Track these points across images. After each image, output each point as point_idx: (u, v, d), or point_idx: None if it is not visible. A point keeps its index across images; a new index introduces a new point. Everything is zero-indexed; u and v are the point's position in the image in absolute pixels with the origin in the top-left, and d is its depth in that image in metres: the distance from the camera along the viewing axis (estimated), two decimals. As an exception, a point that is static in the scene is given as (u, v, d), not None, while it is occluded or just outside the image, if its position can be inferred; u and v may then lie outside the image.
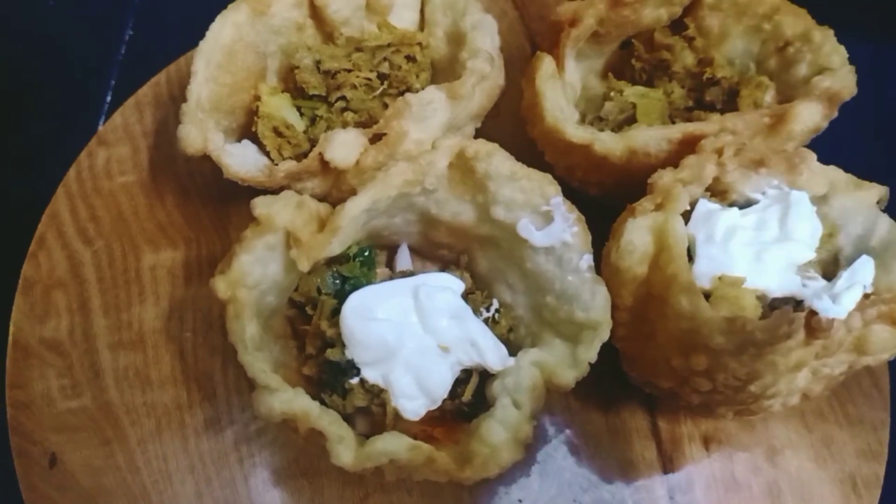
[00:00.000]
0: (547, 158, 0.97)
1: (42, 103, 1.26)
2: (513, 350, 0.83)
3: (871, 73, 1.02)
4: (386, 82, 0.96)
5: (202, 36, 1.15)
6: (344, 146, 0.83)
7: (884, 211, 0.86)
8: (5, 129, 1.24)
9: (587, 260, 0.81)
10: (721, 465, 0.93)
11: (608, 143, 0.87)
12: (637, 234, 0.79)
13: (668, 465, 0.93)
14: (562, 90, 0.93)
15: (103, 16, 1.34)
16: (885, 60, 1.25)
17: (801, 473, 0.93)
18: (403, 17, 1.02)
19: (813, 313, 0.73)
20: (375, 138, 0.86)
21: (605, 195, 0.93)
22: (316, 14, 1.01)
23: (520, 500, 0.91)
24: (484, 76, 0.91)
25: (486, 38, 0.94)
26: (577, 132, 0.89)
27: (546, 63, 0.94)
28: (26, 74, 1.28)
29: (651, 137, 0.87)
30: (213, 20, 0.98)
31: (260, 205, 0.76)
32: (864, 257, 0.82)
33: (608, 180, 0.93)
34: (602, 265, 0.83)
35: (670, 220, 0.79)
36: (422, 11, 1.03)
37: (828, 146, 0.89)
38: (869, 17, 1.19)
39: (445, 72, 0.99)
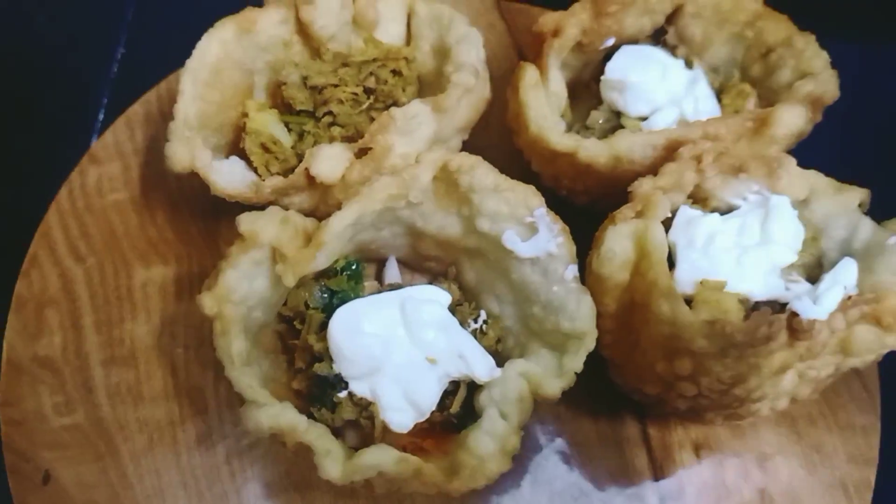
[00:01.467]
0: (534, 168, 0.98)
1: (34, 121, 1.27)
2: (501, 361, 0.83)
3: (855, 75, 1.03)
4: (372, 97, 0.97)
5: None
6: (329, 161, 0.84)
7: (866, 214, 0.86)
8: (-2, 143, 1.25)
9: (572, 270, 0.82)
10: (712, 471, 0.94)
11: (592, 150, 0.88)
12: (617, 242, 0.80)
13: (658, 472, 0.94)
14: (546, 99, 0.94)
15: (96, 34, 1.34)
16: (868, 63, 1.26)
17: (792, 479, 0.93)
18: (390, 31, 1.03)
19: (795, 315, 0.74)
20: (361, 153, 0.86)
21: (592, 204, 0.94)
22: (302, 30, 1.02)
23: (511, 510, 0.91)
24: (469, 89, 0.92)
25: (471, 51, 0.95)
26: (561, 139, 0.90)
27: (529, 72, 0.95)
28: (18, 92, 1.29)
29: (635, 143, 0.87)
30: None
31: (244, 221, 0.77)
32: (847, 259, 0.83)
33: (595, 188, 0.94)
34: (585, 273, 0.83)
35: (650, 226, 0.79)
36: (408, 25, 1.03)
37: (810, 150, 0.90)
38: (853, 19, 1.20)
39: (432, 86, 1.00)
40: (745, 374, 0.77)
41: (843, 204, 0.87)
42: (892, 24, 1.29)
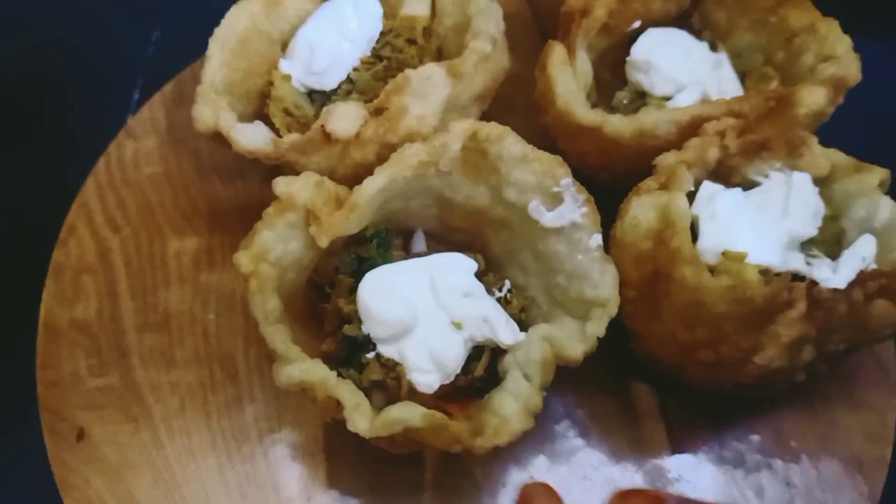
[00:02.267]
0: (559, 146, 1.00)
1: (73, 100, 1.31)
2: (525, 330, 0.85)
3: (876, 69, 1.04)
4: (386, 61, 1.00)
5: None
6: (344, 118, 0.87)
7: (886, 194, 0.88)
8: (38, 125, 1.29)
9: (596, 239, 0.84)
10: (729, 445, 0.95)
11: (618, 126, 0.90)
12: (641, 211, 0.82)
13: (676, 445, 0.95)
14: (573, 76, 0.96)
15: (132, 18, 1.39)
16: (889, 58, 1.27)
17: (809, 455, 0.94)
18: (415, 8, 1.06)
19: (814, 283, 0.76)
20: (377, 112, 0.89)
21: (616, 181, 0.96)
22: None
23: (531, 477, 0.93)
24: (485, 56, 0.94)
25: (489, 21, 0.98)
26: (587, 114, 0.92)
27: (557, 50, 0.97)
28: (59, 73, 1.33)
29: (660, 119, 0.89)
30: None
31: (281, 184, 0.79)
32: (866, 236, 0.85)
33: (619, 165, 0.96)
34: (609, 244, 0.85)
35: (674, 197, 0.81)
36: (433, 3, 1.06)
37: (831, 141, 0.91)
38: (872, 14, 1.21)
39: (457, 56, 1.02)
40: (764, 343, 0.78)
41: (863, 183, 0.88)
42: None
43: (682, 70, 1.00)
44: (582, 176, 0.85)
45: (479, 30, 0.96)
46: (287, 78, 1.01)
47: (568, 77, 0.95)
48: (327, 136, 0.85)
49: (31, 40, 1.37)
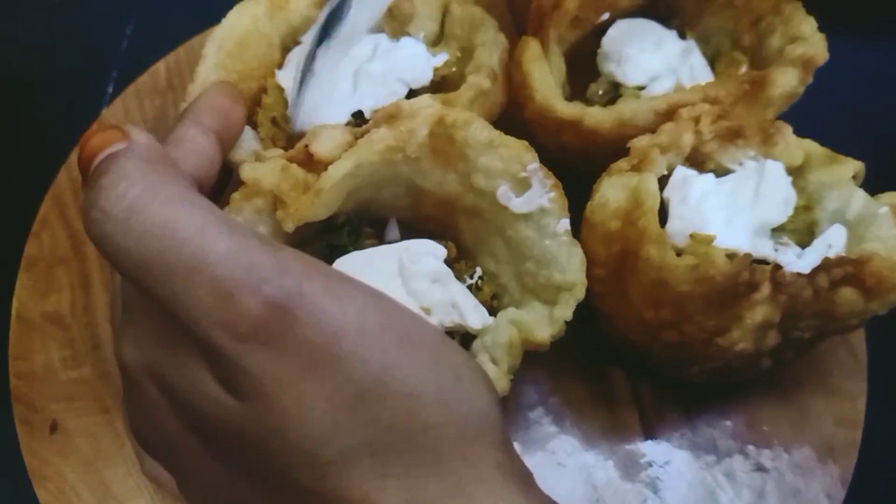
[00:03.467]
0: (538, 140, 1.00)
1: (46, 93, 1.30)
2: (494, 316, 0.86)
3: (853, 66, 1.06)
4: None
5: (203, 31, 1.20)
6: (329, 140, 0.86)
7: (860, 187, 0.88)
8: (10, 118, 1.28)
9: (564, 224, 0.84)
10: (702, 431, 0.96)
11: (598, 117, 0.91)
12: (611, 191, 0.83)
13: (649, 430, 0.96)
14: (549, 71, 0.96)
15: (105, 11, 1.38)
16: (865, 53, 1.29)
17: (780, 440, 0.95)
18: (425, 28, 1.05)
19: (778, 267, 0.76)
20: (363, 137, 0.88)
21: (596, 172, 0.96)
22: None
23: (504, 463, 0.93)
24: (483, 91, 0.94)
25: (493, 54, 0.97)
26: (566, 108, 0.93)
27: (532, 45, 0.97)
28: (31, 66, 1.32)
29: (639, 109, 0.90)
30: (212, 15, 1.01)
31: (247, 169, 0.79)
32: (837, 225, 0.85)
33: (599, 157, 0.96)
34: (581, 224, 0.86)
35: (644, 178, 0.82)
36: (442, 25, 1.05)
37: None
38: (848, 13, 1.22)
39: (456, 86, 1.00)
40: (728, 325, 0.79)
41: (837, 174, 0.89)
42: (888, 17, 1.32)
43: (654, 59, 1.01)
44: (563, 168, 0.86)
45: (480, 63, 0.96)
46: (280, 88, 1.00)
47: (544, 72, 0.95)
48: (310, 157, 0.84)
49: (1, 32, 1.36)
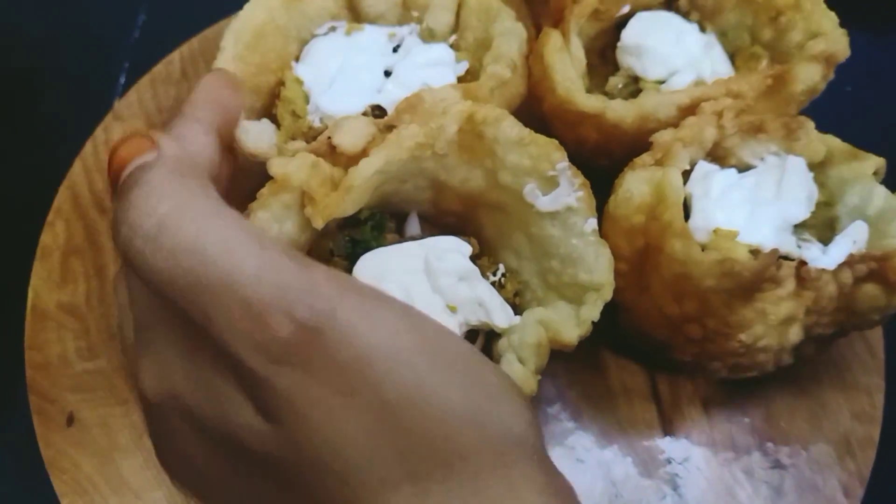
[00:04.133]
0: (554, 132, 0.99)
1: (59, 85, 1.30)
2: (519, 314, 0.85)
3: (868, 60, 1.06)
4: None
5: (214, 21, 1.19)
6: (352, 132, 0.85)
7: (881, 183, 0.89)
8: (23, 110, 1.27)
9: (591, 224, 0.83)
10: (720, 427, 0.96)
11: (620, 111, 0.91)
12: (635, 185, 0.83)
13: (668, 427, 0.96)
14: (570, 63, 0.96)
15: (117, 1, 1.37)
16: (882, 47, 1.29)
17: (798, 435, 0.96)
18: (439, 19, 1.04)
19: (803, 263, 0.76)
20: (386, 128, 0.88)
21: (615, 165, 0.96)
22: (351, 6, 1.03)
23: (524, 459, 0.93)
24: (503, 81, 0.93)
25: (512, 44, 0.96)
26: (588, 101, 0.92)
27: (554, 37, 0.97)
28: (44, 58, 1.32)
29: (661, 103, 0.90)
30: (223, 5, 1.01)
31: (276, 164, 0.79)
32: (859, 221, 0.86)
33: (618, 150, 0.96)
34: (602, 219, 0.86)
35: (668, 172, 0.82)
36: (458, 15, 1.04)
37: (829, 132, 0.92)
38: (864, 6, 1.22)
39: (473, 76, 1.01)
40: (751, 320, 0.79)
41: (858, 170, 0.89)
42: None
43: (675, 52, 1.00)
44: (580, 162, 0.85)
45: (500, 53, 0.95)
46: (299, 81, 0.99)
47: (566, 64, 0.95)
48: (333, 149, 0.84)
49: (13, 24, 1.35)
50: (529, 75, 1.00)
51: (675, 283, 0.82)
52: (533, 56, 0.99)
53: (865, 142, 0.91)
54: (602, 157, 0.99)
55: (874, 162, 0.89)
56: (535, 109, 1.01)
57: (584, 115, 0.93)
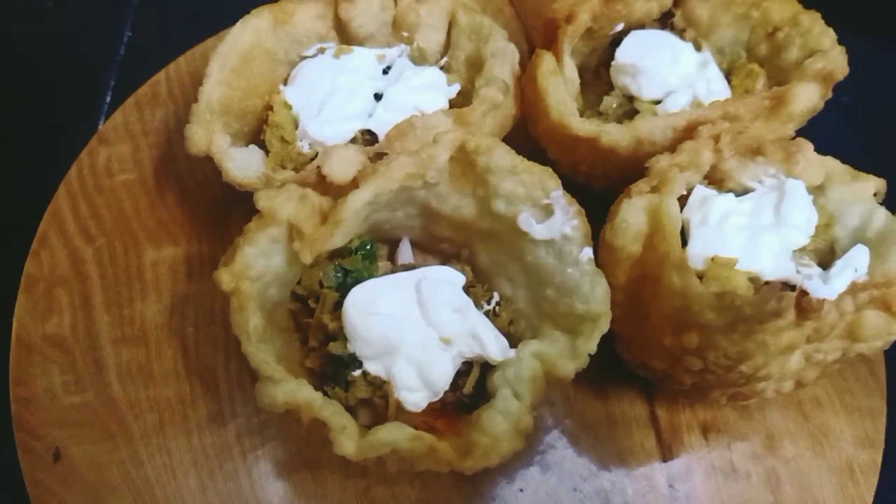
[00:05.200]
0: (550, 155, 0.98)
1: (42, 104, 1.27)
2: (513, 343, 0.84)
3: (864, 68, 1.04)
4: None
5: (201, 37, 1.17)
6: (342, 162, 0.84)
7: (881, 204, 0.87)
8: (6, 129, 1.25)
9: (587, 253, 0.82)
10: (720, 453, 0.94)
11: (615, 135, 0.89)
12: (631, 214, 0.81)
13: (667, 453, 0.94)
14: (564, 86, 0.94)
15: (102, 17, 1.35)
16: (878, 56, 1.27)
17: (799, 461, 0.94)
18: (430, 39, 1.03)
19: (804, 293, 0.74)
20: (377, 157, 0.86)
21: (610, 189, 0.95)
22: (340, 27, 1.01)
23: (521, 490, 0.92)
24: (496, 105, 0.92)
25: (504, 66, 0.95)
26: (583, 125, 0.91)
27: (547, 60, 0.95)
28: (26, 75, 1.30)
29: (656, 126, 0.88)
30: (210, 23, 0.99)
31: (263, 198, 0.77)
32: (859, 245, 0.84)
33: (614, 173, 0.94)
34: (598, 246, 0.84)
35: (665, 200, 0.80)
36: (448, 34, 1.03)
37: (826, 143, 0.90)
38: (860, 12, 1.21)
39: (464, 96, 0.99)
40: (752, 351, 0.77)
41: (858, 192, 0.87)
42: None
43: (670, 72, 0.99)
44: (575, 185, 0.84)
45: (492, 75, 0.93)
46: (287, 105, 0.97)
47: (559, 87, 0.93)
48: (322, 178, 0.82)
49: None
50: (522, 97, 0.98)
51: (674, 315, 0.80)
52: (526, 78, 0.97)
53: (862, 153, 0.90)
54: (598, 180, 0.97)
55: (874, 183, 0.87)
56: (530, 131, 0.99)
57: (578, 140, 0.91)
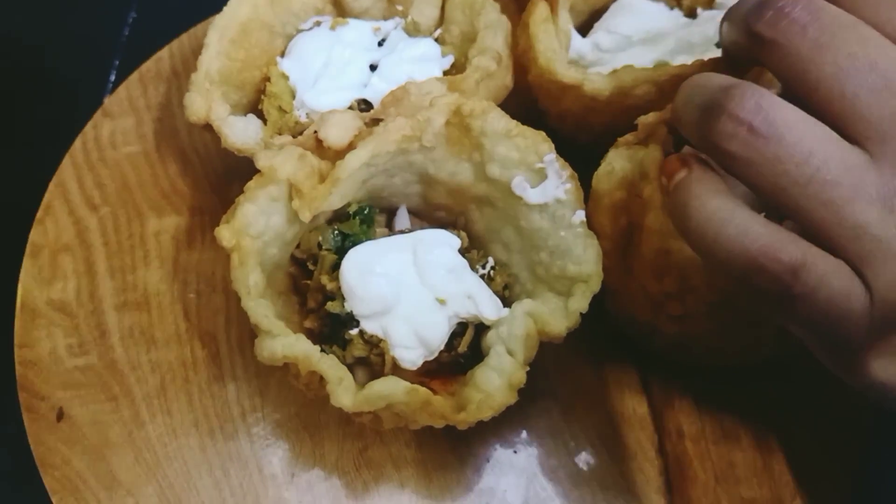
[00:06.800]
0: (540, 105, 0.99)
1: (48, 83, 1.29)
2: (508, 307, 0.85)
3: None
4: None
5: (203, 18, 1.19)
6: (339, 126, 0.86)
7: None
8: (14, 107, 1.27)
9: (580, 216, 0.84)
10: (711, 418, 0.96)
11: (597, 84, 0.91)
12: (617, 161, 0.83)
13: (658, 419, 0.96)
14: (555, 34, 0.96)
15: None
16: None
17: (790, 426, 0.95)
18: (424, 13, 1.04)
19: None
20: (372, 122, 0.88)
21: (596, 142, 0.96)
22: (336, 1, 1.04)
23: (514, 452, 0.93)
24: (489, 73, 0.94)
25: (497, 37, 0.97)
26: (567, 72, 0.92)
27: (540, 8, 0.97)
28: (34, 56, 1.32)
29: (638, 78, 0.90)
30: (213, 3, 1.01)
31: (263, 157, 0.79)
32: None
33: (599, 125, 0.96)
34: (588, 198, 0.86)
35: (650, 150, 0.82)
36: (442, 8, 1.05)
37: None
38: None
39: (458, 69, 1.01)
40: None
41: None
42: None
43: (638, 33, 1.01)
44: (562, 137, 0.85)
45: (485, 45, 0.95)
46: (284, 76, 0.99)
47: (550, 35, 0.95)
48: (319, 143, 0.84)
49: (3, 22, 1.35)
50: (515, 46, 1.00)
51: (655, 259, 0.82)
52: (520, 27, 0.99)
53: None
54: (584, 133, 0.99)
55: None
56: (521, 81, 1.00)
57: (563, 87, 0.93)
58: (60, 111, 1.25)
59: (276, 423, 0.94)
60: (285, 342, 0.76)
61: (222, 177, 1.08)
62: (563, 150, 0.86)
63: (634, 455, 0.94)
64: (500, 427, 0.94)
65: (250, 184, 0.79)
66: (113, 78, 1.28)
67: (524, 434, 0.95)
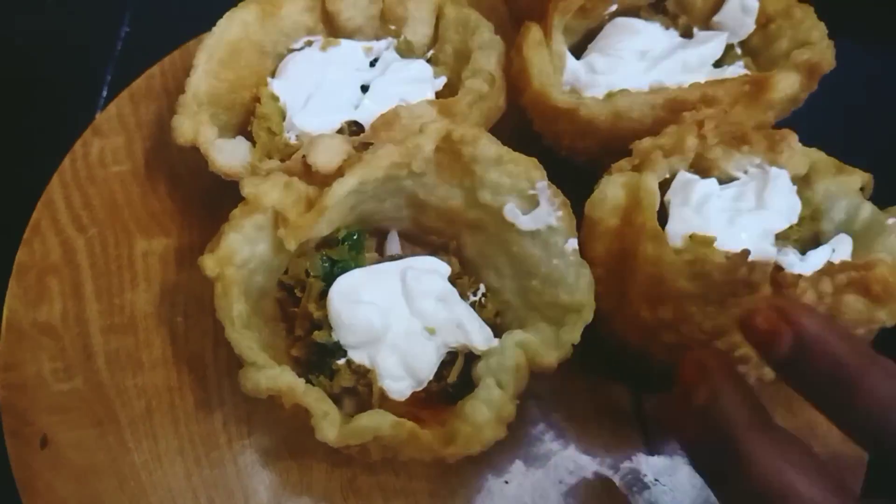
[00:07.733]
0: (536, 127, 0.98)
1: (40, 97, 1.28)
2: (500, 334, 0.84)
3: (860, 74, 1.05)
4: None
5: (197, 33, 1.17)
6: (328, 151, 0.84)
7: (868, 199, 0.87)
8: (4, 121, 1.26)
9: (572, 244, 0.82)
10: (705, 448, 0.94)
11: (593, 108, 0.90)
12: (610, 188, 0.82)
13: (653, 447, 0.94)
14: (549, 58, 0.95)
15: (100, 13, 1.36)
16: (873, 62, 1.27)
17: (786, 457, 0.93)
18: (417, 32, 1.03)
19: (779, 269, 0.74)
20: (362, 146, 0.87)
21: (592, 162, 0.95)
22: (327, 20, 1.02)
23: (506, 482, 0.92)
24: (482, 96, 0.92)
25: (490, 58, 0.96)
26: (562, 96, 0.91)
27: (534, 31, 0.96)
28: (24, 69, 1.31)
29: (635, 102, 0.89)
30: (207, 18, 0.99)
31: (249, 185, 0.77)
32: (843, 235, 0.84)
33: (595, 146, 0.95)
34: (581, 225, 0.85)
35: (644, 177, 0.81)
36: (436, 28, 1.04)
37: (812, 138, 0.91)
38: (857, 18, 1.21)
39: (451, 89, 1.00)
40: (727, 326, 0.77)
41: (844, 185, 0.88)
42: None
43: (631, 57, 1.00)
44: (557, 158, 0.84)
45: (478, 67, 0.94)
46: (275, 97, 0.98)
47: (544, 58, 0.94)
48: (308, 168, 0.83)
49: (-3, 33, 1.34)
50: (509, 69, 0.98)
51: (650, 287, 0.80)
52: (514, 49, 0.98)
53: (858, 154, 0.90)
54: (579, 154, 0.97)
55: (861, 177, 0.87)
56: (516, 101, 0.99)
57: (558, 111, 0.92)
58: (52, 126, 1.24)
59: (264, 449, 0.92)
60: (269, 374, 0.74)
61: (213, 196, 1.06)
62: (558, 171, 0.85)
63: (629, 485, 0.92)
64: (492, 457, 0.92)
65: (235, 212, 0.78)
66: (105, 93, 1.27)
67: (516, 462, 0.93)
